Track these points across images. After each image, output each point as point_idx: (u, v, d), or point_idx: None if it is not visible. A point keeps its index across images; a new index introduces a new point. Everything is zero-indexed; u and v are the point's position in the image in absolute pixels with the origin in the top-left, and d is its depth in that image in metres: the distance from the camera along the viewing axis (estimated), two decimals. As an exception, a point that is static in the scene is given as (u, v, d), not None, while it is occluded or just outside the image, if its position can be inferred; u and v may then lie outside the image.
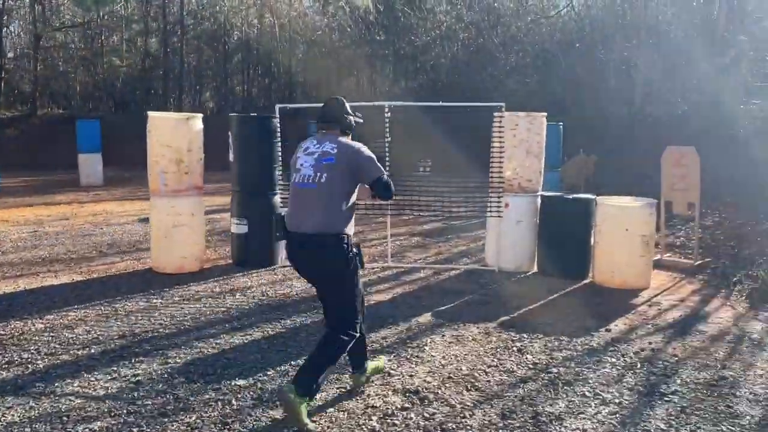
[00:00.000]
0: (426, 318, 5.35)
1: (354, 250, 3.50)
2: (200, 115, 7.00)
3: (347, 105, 3.71)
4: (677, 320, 5.36)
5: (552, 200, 7.00)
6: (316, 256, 3.46)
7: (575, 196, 7.17)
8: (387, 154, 7.02)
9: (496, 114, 7.02)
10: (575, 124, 17.19)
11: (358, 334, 3.57)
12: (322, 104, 3.74)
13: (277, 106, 7.29)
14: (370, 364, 3.91)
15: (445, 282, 6.67)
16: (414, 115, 7.48)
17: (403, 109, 7.54)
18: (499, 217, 7.04)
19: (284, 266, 7.22)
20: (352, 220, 3.56)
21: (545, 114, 7.13)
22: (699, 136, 12.48)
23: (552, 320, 5.30)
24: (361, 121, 3.77)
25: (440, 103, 7.37)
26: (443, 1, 25.29)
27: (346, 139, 3.63)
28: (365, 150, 3.54)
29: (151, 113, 6.85)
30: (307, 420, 3.31)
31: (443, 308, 5.64)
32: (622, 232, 6.33)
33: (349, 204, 3.51)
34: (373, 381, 3.94)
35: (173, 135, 6.63)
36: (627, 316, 5.46)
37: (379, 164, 3.54)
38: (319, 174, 3.44)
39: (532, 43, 21.66)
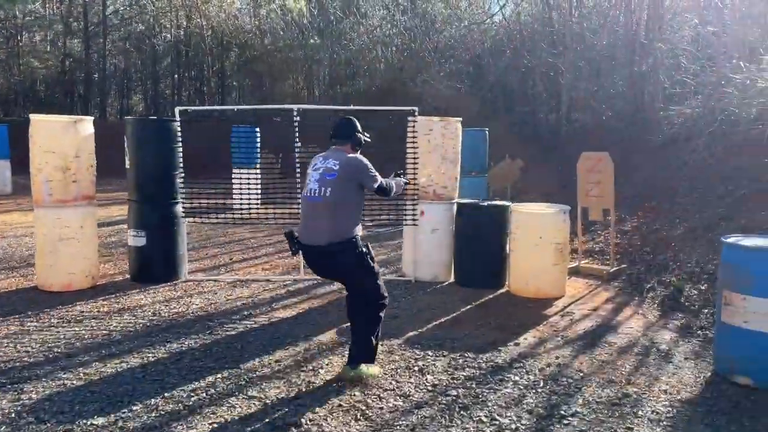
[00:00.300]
0: (329, 336, 5.01)
1: (363, 249, 3.92)
2: (90, 118, 6.46)
3: (357, 123, 4.14)
4: (588, 331, 5.21)
5: (467, 207, 6.79)
6: (332, 262, 3.90)
7: (490, 203, 7.00)
8: (297, 160, 6.67)
9: (410, 119, 6.77)
10: (505, 130, 17.32)
11: (387, 298, 4.10)
12: (335, 122, 4.17)
13: (177, 109, 6.81)
14: (369, 369, 4.09)
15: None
16: (325, 118, 7.15)
17: (313, 113, 7.20)
18: (414, 225, 6.78)
19: (187, 281, 6.74)
20: (359, 223, 4.00)
21: (460, 119, 6.93)
22: (622, 141, 12.70)
23: (461, 335, 5.06)
24: (369, 140, 4.21)
25: (351, 107, 7.06)
26: (378, 5, 25.14)
27: (352, 154, 4.03)
28: (364, 163, 3.98)
29: (33, 116, 6.25)
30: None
31: (350, 324, 5.30)
32: (535, 240, 6.17)
33: (353, 211, 3.94)
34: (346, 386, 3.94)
35: (58, 140, 6.07)
36: (538, 328, 5.27)
37: (374, 173, 4.00)
38: (323, 188, 3.84)
39: (465, 50, 21.74)
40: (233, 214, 8.27)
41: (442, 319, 5.50)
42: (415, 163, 6.69)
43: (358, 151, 4.11)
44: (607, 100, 15.89)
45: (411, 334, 5.08)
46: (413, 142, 6.70)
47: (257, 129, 12.55)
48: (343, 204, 3.85)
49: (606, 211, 7.30)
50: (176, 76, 29.83)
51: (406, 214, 6.82)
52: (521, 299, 6.16)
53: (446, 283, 6.77)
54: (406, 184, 4.60)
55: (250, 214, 8.01)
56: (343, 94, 25.31)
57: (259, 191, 7.74)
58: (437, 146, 6.69)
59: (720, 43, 11.46)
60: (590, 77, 16.39)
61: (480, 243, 6.48)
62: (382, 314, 4.09)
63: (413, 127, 6.71)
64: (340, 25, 24.84)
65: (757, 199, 7.81)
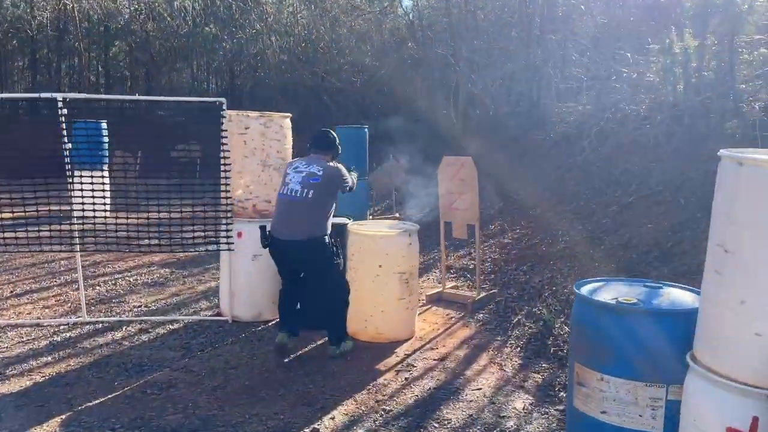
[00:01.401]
0: (50, 428, 3.50)
1: (335, 247, 4.55)
2: None
3: (336, 136, 4.80)
4: (421, 399, 3.94)
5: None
6: (309, 255, 4.40)
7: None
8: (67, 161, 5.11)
9: (224, 114, 5.32)
10: (398, 128, 16.14)
11: (349, 291, 4.73)
12: (316, 133, 4.79)
13: None
14: (348, 343, 4.73)
15: (146, 345, 4.84)
16: (107, 112, 5.58)
17: (85, 104, 5.62)
18: (230, 250, 5.34)
19: None
20: (331, 221, 4.54)
21: (289, 115, 5.53)
22: (517, 140, 11.72)
23: (247, 413, 3.67)
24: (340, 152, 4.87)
25: (138, 97, 5.53)
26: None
27: (332, 163, 4.61)
28: (342, 172, 4.60)
29: None
30: (350, 344, 4.73)
31: (91, 404, 3.80)
32: (374, 268, 4.88)
33: (330, 212, 4.53)
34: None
35: None
36: (358, 396, 3.96)
37: (347, 176, 4.66)
38: (306, 191, 4.38)
39: (363, 42, 20.43)
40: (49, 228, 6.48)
41: (234, 386, 4.09)
42: (226, 171, 5.25)
43: (334, 160, 4.72)
44: (504, 96, 14.99)
45: (169, 418, 3.63)
46: (226, 144, 5.26)
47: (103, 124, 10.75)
48: (323, 205, 4.44)
49: (471, 226, 6.12)
50: (54, 64, 26.98)
51: (218, 236, 5.37)
52: (359, 345, 4.85)
53: (272, 322, 5.36)
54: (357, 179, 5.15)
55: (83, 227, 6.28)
56: (235, 87, 23.57)
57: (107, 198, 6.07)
58: (256, 149, 5.26)
59: (613, 36, 10.66)
60: (487, 71, 15.46)
61: (308, 273, 5.13)
62: (348, 298, 4.71)
63: (223, 125, 5.26)
64: (235, 13, 23.00)
65: (644, 208, 6.87)
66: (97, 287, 6.47)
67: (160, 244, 5.67)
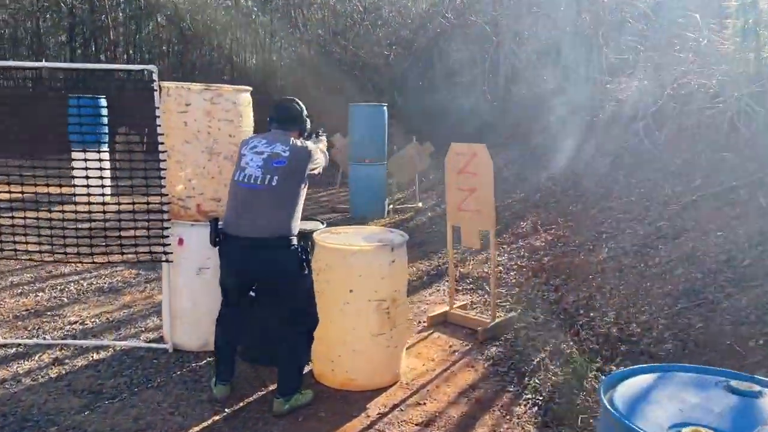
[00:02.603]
0: None
1: (304, 255, 3.39)
2: None
3: (303, 106, 3.60)
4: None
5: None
6: (272, 259, 3.32)
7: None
8: None
9: (154, 86, 4.14)
10: (430, 106, 14.74)
11: (317, 322, 3.55)
12: (278, 103, 3.62)
13: None
14: (303, 395, 3.56)
15: (50, 385, 3.76)
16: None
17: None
18: (167, 261, 4.21)
19: None
20: (299, 219, 3.46)
21: (247, 89, 4.32)
22: (562, 120, 10.22)
23: None
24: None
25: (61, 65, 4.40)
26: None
27: (300, 141, 3.51)
28: (313, 149, 3.50)
29: None
30: (308, 396, 3.57)
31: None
32: (344, 293, 3.66)
33: (298, 204, 3.44)
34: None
35: None
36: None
37: (319, 157, 3.56)
38: (269, 176, 3.33)
39: (397, 13, 18.99)
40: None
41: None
42: (162, 160, 4.09)
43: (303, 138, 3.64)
44: (549, 71, 13.40)
45: None
46: (161, 125, 4.10)
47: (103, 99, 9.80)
48: (291, 195, 3.39)
49: (483, 234, 4.82)
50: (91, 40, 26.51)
51: (153, 244, 4.23)
52: (323, 394, 3.67)
53: (222, 353, 4.22)
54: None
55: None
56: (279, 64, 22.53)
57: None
58: (200, 133, 4.07)
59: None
60: (530, 42, 13.87)
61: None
62: (314, 332, 3.57)
63: (156, 99, 4.09)
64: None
65: (711, 209, 5.41)
66: (40, 294, 5.47)
67: (73, 252, 4.56)
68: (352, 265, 3.65)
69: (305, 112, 3.61)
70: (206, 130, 4.07)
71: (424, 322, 4.98)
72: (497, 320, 4.73)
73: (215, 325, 3.63)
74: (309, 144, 3.52)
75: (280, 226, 3.32)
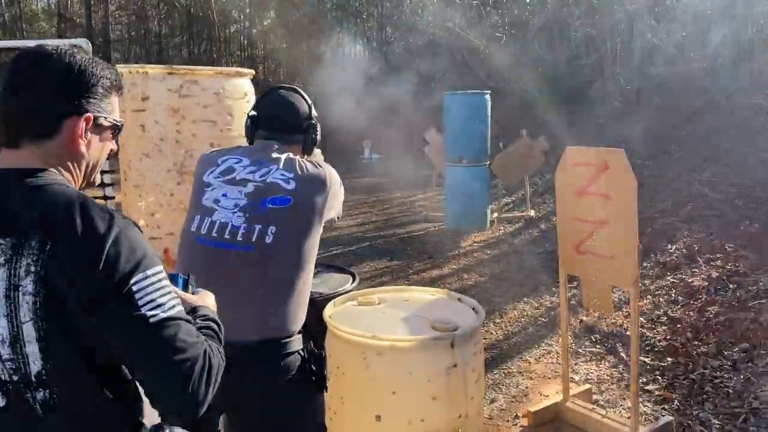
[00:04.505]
0: None
1: (313, 366, 1.81)
2: None
3: (309, 101, 2.06)
4: None
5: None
6: (248, 383, 1.72)
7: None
8: None
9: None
10: (546, 95, 12.70)
11: None
12: (270, 95, 2.06)
13: None
14: None
15: None
16: None
17: None
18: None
19: None
20: (308, 298, 1.91)
21: (246, 72, 2.83)
22: (717, 106, 7.98)
23: None
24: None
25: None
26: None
27: (306, 161, 1.94)
28: (332, 175, 1.95)
29: None
30: None
31: None
32: (368, 420, 2.10)
33: (308, 276, 1.87)
34: None
35: None
36: None
37: (340, 186, 2.01)
38: (260, 227, 1.78)
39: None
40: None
41: None
42: (109, 184, 2.71)
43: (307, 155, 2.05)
44: (697, 47, 10.94)
45: None
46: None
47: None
48: (297, 261, 1.82)
49: (614, 289, 3.03)
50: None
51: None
52: None
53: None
54: None
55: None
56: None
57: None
58: (163, 142, 2.65)
59: None
60: (673, 12, 11.43)
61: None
62: None
63: None
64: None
65: None
66: None
67: None
68: (378, 374, 2.06)
69: (314, 111, 2.07)
70: (174, 138, 2.64)
71: (522, 416, 3.30)
72: (646, 428, 2.94)
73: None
74: (323, 166, 1.97)
75: (277, 321, 1.81)
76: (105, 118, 1.18)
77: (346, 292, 2.54)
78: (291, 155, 1.95)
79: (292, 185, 1.85)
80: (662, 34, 11.48)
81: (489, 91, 7.98)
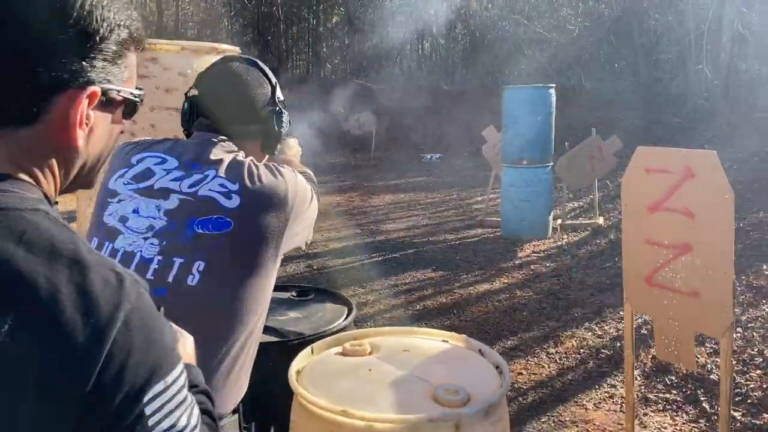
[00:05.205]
0: None
1: None
2: None
3: (270, 76, 1.49)
4: None
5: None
6: None
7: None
8: None
9: None
10: (621, 90, 11.66)
11: None
12: (211, 68, 1.48)
13: None
14: None
15: None
16: None
17: None
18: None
19: None
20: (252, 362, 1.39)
21: (228, 49, 2.28)
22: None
23: None
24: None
25: None
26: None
27: (263, 166, 1.37)
28: (303, 188, 1.40)
29: None
30: None
31: None
32: None
33: (254, 333, 1.34)
34: None
35: None
36: None
37: (311, 200, 1.43)
38: (181, 262, 1.25)
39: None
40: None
41: None
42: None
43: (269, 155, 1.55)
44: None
45: None
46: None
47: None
48: (237, 312, 1.26)
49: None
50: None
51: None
52: None
53: None
54: None
55: None
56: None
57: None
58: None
59: None
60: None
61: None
62: None
63: None
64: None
65: None
66: None
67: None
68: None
69: (278, 93, 1.50)
70: (127, 130, 2.11)
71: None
72: None
73: None
74: (284, 174, 1.38)
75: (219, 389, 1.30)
76: (118, 91, 0.75)
77: (332, 333, 1.95)
78: (240, 156, 1.39)
79: (234, 201, 1.29)
80: (753, 24, 10.30)
81: (553, 85, 7.19)
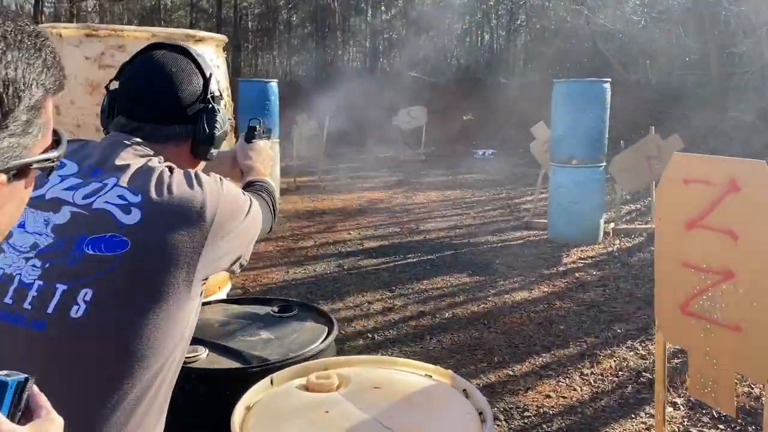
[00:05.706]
0: None
1: None
2: None
3: (204, 66, 1.25)
4: None
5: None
6: None
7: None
8: None
9: None
10: (679, 87, 10.94)
11: None
12: (134, 59, 1.25)
13: None
14: None
15: None
16: None
17: None
18: None
19: None
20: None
21: (213, 37, 2.07)
22: None
23: None
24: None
25: None
26: None
27: (193, 172, 1.14)
28: (231, 200, 1.15)
29: None
30: None
31: None
32: None
33: (163, 380, 1.07)
34: None
35: None
36: None
37: (254, 210, 1.20)
38: (64, 289, 1.00)
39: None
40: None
41: None
42: None
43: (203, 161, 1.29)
44: None
45: None
46: None
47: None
48: (134, 354, 1.00)
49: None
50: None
51: None
52: None
53: None
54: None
55: None
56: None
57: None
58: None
59: None
60: None
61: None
62: None
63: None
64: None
65: None
66: None
67: None
68: None
69: (213, 87, 1.25)
70: (94, 123, 1.93)
71: None
72: None
73: None
74: (203, 184, 1.12)
75: None
76: (30, 165, 0.63)
77: (301, 360, 1.71)
78: (154, 162, 1.15)
79: (134, 216, 1.07)
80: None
81: (608, 79, 6.71)
